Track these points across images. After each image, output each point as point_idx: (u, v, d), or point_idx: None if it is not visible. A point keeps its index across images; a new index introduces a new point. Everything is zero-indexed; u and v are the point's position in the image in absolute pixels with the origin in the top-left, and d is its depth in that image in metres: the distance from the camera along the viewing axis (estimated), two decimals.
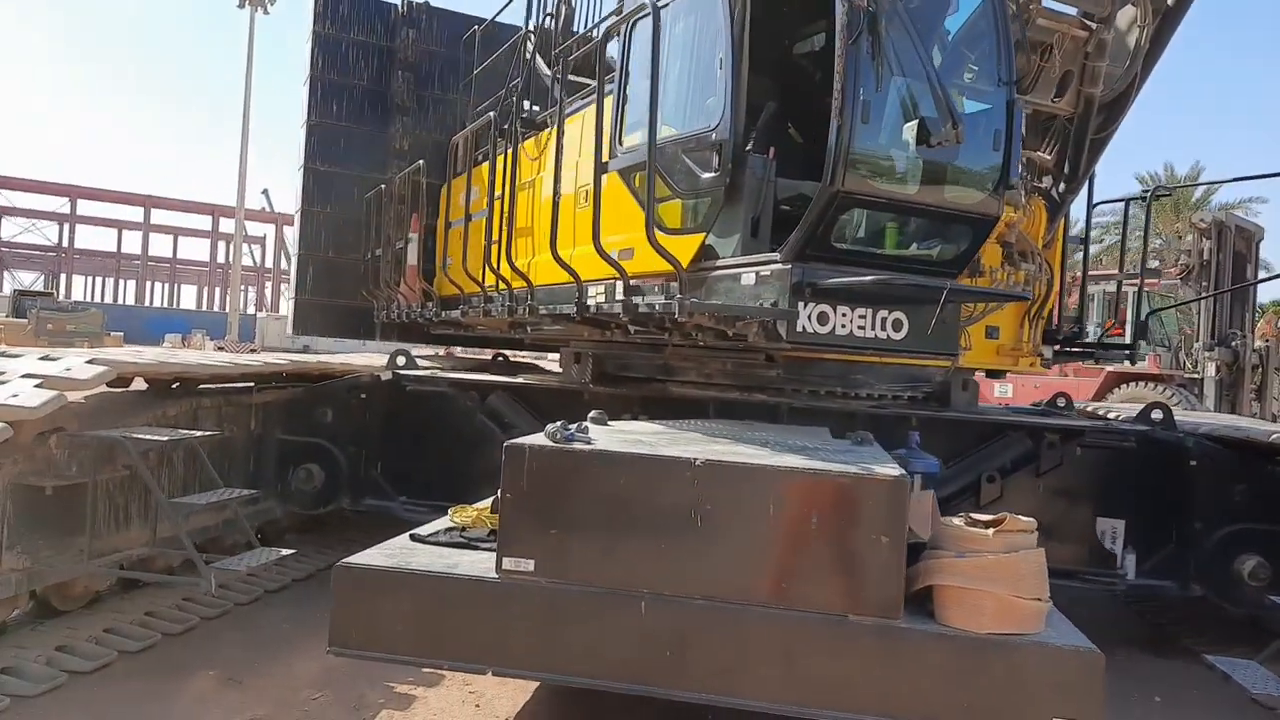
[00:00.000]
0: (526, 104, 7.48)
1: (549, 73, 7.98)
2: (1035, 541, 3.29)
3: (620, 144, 5.52)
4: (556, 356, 14.00)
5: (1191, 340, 17.58)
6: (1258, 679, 4.91)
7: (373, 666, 4.67)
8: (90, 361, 4.46)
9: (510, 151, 5.92)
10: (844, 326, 4.40)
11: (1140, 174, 35.26)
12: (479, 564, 3.61)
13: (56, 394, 4.12)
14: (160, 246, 75.27)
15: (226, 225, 68.34)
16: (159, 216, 71.26)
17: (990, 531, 3.21)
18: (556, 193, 5.19)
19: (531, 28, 10.78)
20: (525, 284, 5.73)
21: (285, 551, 4.78)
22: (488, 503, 4.70)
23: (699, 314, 4.19)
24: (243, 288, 54.11)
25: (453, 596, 3.48)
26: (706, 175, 4.90)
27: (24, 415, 4.00)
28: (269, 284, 74.39)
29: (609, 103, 5.25)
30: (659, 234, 4.81)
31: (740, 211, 4.79)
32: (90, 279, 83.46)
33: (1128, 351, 6.78)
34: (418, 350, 7.69)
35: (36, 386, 4.17)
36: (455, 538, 4.01)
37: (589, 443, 3.57)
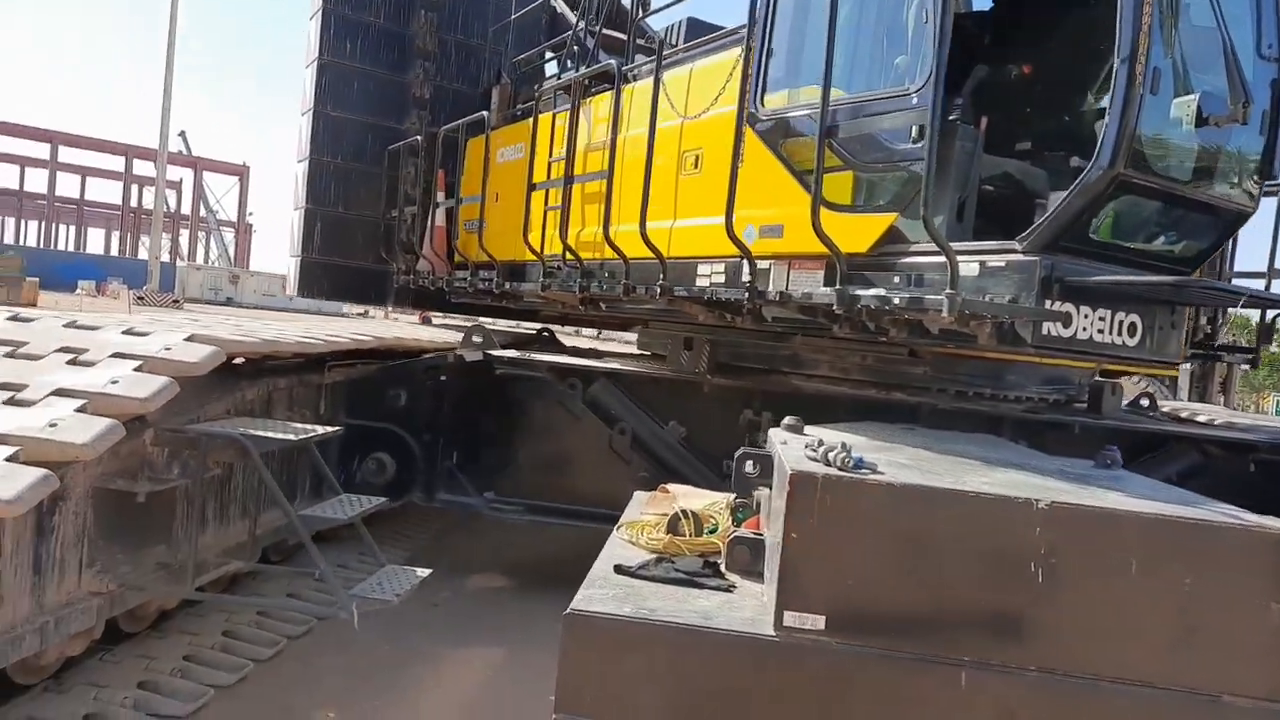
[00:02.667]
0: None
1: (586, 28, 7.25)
2: None
3: (760, 104, 4.87)
4: (591, 332, 13.31)
5: None
6: None
7: (520, 700, 4.03)
8: (190, 339, 3.61)
9: (650, 108, 5.14)
10: (1084, 330, 3.85)
11: None
12: (733, 611, 2.96)
13: (168, 381, 3.29)
14: (65, 187, 71.18)
15: (140, 168, 64.82)
16: (66, 155, 67.22)
17: None
18: (737, 154, 4.46)
19: None
20: (654, 256, 5.01)
21: (423, 572, 4.02)
22: (652, 517, 4.04)
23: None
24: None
25: (715, 656, 2.82)
26: (904, 146, 4.29)
27: (132, 408, 3.18)
28: (185, 231, 71.14)
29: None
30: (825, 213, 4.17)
31: (945, 190, 4.19)
32: None
33: (1250, 355, 6.39)
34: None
35: (137, 370, 3.34)
36: (670, 572, 3.33)
37: (874, 470, 2.93)
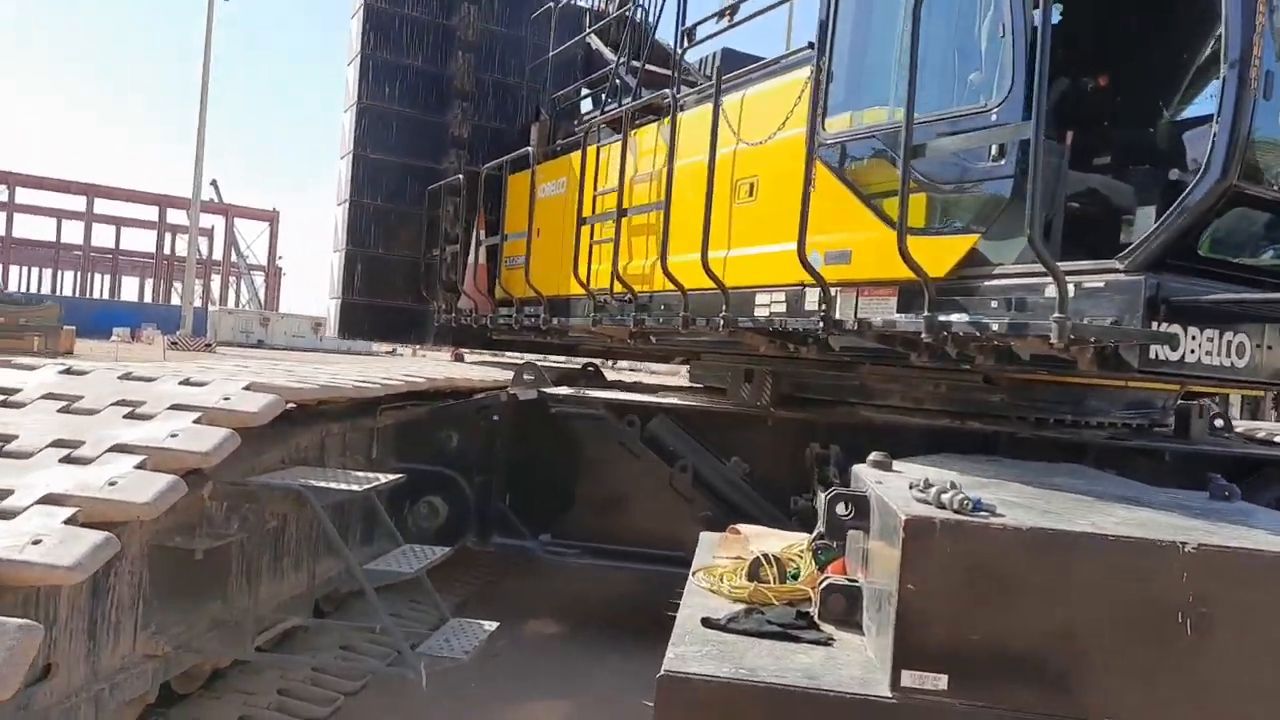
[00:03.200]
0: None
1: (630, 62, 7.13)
2: None
3: (822, 128, 4.68)
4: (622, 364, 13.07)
5: None
6: None
7: None
8: (249, 388, 3.45)
9: (708, 136, 4.95)
10: (1193, 353, 3.60)
11: None
12: (839, 669, 2.72)
13: (229, 433, 3.13)
14: (100, 237, 72.59)
15: (173, 217, 65.97)
16: (102, 206, 68.61)
17: None
18: (809, 179, 4.26)
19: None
20: (716, 286, 4.82)
21: (491, 625, 3.81)
22: (727, 561, 3.81)
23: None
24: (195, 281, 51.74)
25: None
26: (981, 164, 4.08)
27: (193, 462, 3.01)
28: (216, 277, 72.07)
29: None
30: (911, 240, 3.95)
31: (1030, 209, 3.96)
32: (25, 269, 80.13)
33: None
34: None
35: (196, 421, 3.17)
36: (762, 624, 3.09)
37: (994, 512, 2.69)
